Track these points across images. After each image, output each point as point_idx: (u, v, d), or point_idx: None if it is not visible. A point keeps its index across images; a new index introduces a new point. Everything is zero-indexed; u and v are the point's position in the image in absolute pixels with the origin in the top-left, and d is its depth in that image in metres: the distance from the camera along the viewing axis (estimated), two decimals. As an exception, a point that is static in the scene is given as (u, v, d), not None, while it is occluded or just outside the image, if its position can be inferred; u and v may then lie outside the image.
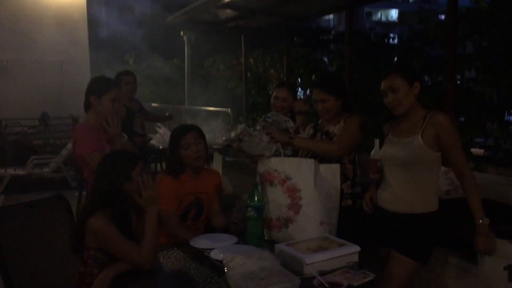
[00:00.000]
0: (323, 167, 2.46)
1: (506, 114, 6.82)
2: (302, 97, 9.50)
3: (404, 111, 2.30)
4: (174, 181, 2.60)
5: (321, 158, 2.63)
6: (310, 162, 2.36)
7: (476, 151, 5.63)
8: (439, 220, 2.35)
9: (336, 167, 2.53)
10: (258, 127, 2.77)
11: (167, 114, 5.67)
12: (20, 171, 7.41)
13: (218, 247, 2.16)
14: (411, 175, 2.30)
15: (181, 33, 10.98)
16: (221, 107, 8.61)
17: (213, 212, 2.76)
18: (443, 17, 4.52)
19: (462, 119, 6.13)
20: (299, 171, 2.34)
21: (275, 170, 2.39)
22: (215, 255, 2.06)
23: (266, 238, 2.39)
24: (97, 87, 2.83)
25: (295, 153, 2.92)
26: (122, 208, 2.14)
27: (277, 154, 2.47)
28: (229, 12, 5.84)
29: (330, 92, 2.72)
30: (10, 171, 7.38)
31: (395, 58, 7.03)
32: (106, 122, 2.75)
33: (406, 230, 2.34)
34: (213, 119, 7.80)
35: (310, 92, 2.82)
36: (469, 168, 2.25)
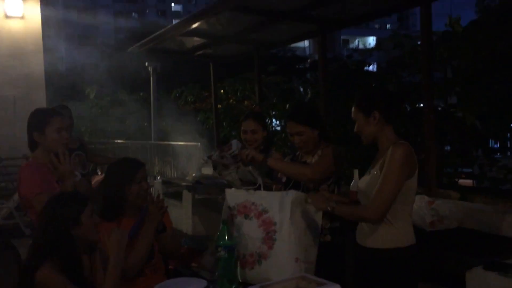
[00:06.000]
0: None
1: (491, 142, 7.01)
2: (277, 128, 9.57)
3: (367, 141, 2.32)
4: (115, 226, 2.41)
5: (302, 190, 2.63)
6: (291, 194, 2.37)
7: (464, 182, 5.72)
8: (412, 256, 2.23)
9: None
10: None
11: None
12: (-33, 219, 7.15)
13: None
14: None
15: (146, 63, 11.05)
16: (191, 141, 8.59)
17: (166, 246, 2.60)
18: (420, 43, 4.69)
19: (448, 147, 6.27)
20: (277, 204, 2.34)
21: (253, 203, 2.40)
22: (182, 301, 2.01)
23: (240, 280, 2.34)
24: (37, 121, 2.73)
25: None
26: (72, 256, 2.06)
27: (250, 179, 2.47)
28: (196, 40, 5.91)
29: (304, 123, 2.75)
30: (-44, 218, 7.13)
31: (373, 85, 7.22)
32: (56, 158, 2.61)
33: (376, 267, 2.25)
34: (182, 155, 7.76)
35: (285, 123, 2.83)
36: (378, 205, 2.16)
